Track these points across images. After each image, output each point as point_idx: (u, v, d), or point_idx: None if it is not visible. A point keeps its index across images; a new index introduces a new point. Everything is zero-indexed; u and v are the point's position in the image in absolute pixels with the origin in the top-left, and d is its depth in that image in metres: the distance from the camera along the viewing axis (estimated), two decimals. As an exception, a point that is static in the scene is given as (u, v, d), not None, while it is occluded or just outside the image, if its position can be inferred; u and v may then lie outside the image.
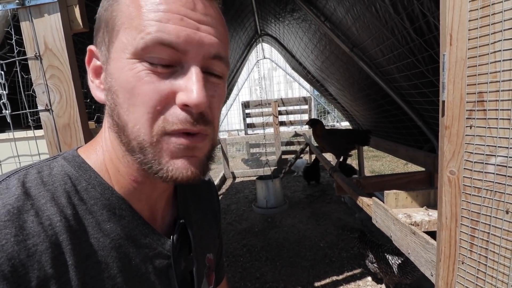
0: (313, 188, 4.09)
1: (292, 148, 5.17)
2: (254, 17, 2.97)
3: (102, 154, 0.37)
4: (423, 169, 2.02)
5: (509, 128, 0.55)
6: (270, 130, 4.96)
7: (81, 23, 0.77)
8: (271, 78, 9.11)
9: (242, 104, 5.23)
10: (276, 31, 3.26)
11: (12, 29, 0.78)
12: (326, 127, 2.43)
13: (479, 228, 0.61)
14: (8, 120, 0.81)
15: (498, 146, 0.56)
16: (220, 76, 0.35)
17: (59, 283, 0.29)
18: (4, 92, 0.80)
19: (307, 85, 5.71)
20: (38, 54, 0.75)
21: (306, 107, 5.12)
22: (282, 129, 5.42)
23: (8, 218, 0.28)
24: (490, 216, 0.59)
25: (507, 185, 0.56)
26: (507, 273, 0.58)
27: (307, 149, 4.16)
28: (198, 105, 0.30)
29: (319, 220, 3.03)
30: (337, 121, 7.59)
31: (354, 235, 2.64)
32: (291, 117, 5.28)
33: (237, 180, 4.98)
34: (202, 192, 0.56)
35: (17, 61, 0.78)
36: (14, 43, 0.77)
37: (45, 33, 0.74)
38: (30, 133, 0.86)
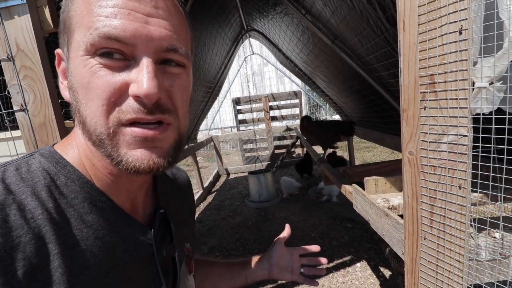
0: (306, 180, 4.14)
1: (284, 142, 5.20)
2: (239, 12, 2.97)
3: (77, 149, 0.39)
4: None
5: (457, 107, 0.58)
6: (262, 126, 4.98)
7: (51, 24, 0.78)
8: (262, 74, 9.11)
9: (233, 101, 5.24)
10: (262, 26, 3.27)
11: (-17, 32, 0.79)
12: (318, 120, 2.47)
13: (436, 204, 0.64)
14: (-15, 122, 0.82)
15: (449, 125, 0.59)
16: (180, 65, 0.36)
17: (46, 271, 0.31)
18: (-21, 94, 0.81)
19: (298, 80, 5.73)
20: (10, 56, 0.76)
21: (297, 101, 5.15)
22: (274, 124, 5.45)
23: None
24: (446, 192, 0.62)
25: (459, 161, 0.59)
26: (463, 246, 0.62)
27: (298, 142, 4.19)
28: (148, 95, 0.31)
29: (311, 211, 3.08)
30: (329, 115, 7.64)
31: (345, 224, 2.69)
32: (283, 112, 5.31)
33: (231, 176, 5.01)
34: (180, 185, 0.59)
35: (-10, 63, 0.80)
36: (-15, 46, 0.78)
37: (16, 35, 0.76)
38: (7, 134, 0.87)
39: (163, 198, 0.49)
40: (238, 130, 5.49)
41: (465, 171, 0.59)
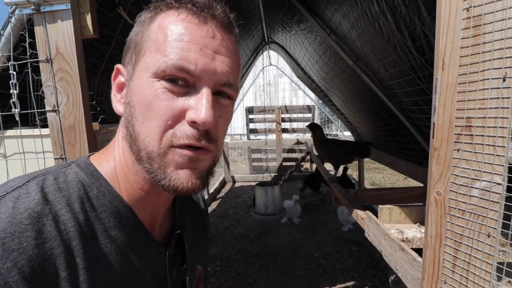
0: (312, 197, 4.09)
1: (293, 155, 5.18)
2: (262, 25, 3.01)
3: (113, 162, 0.40)
4: (421, 184, 2.03)
5: (493, 154, 0.56)
6: (272, 137, 4.97)
7: (91, 30, 0.80)
8: (277, 85, 9.16)
9: (246, 109, 5.26)
10: (283, 39, 3.30)
11: (27, 32, 0.82)
12: (329, 136, 2.45)
13: (461, 249, 0.62)
14: (17, 118, 0.85)
15: (483, 171, 0.58)
16: (229, 98, 0.39)
17: (72, 285, 0.31)
18: (15, 91, 0.84)
19: (312, 94, 5.74)
20: (49, 58, 0.79)
21: (309, 115, 5.14)
22: (285, 136, 5.44)
23: (29, 222, 0.30)
24: (473, 238, 0.60)
25: (490, 209, 0.58)
26: (487, 295, 0.59)
27: (308, 157, 4.17)
28: (205, 123, 0.33)
29: (316, 229, 3.03)
30: (340, 131, 7.60)
31: (350, 247, 2.64)
32: (294, 125, 5.31)
33: (237, 184, 4.99)
34: (196, 205, 0.59)
35: (29, 63, 0.82)
36: (27, 46, 0.81)
37: (57, 38, 0.78)
38: (36, 131, 0.89)
39: (179, 218, 0.49)
40: (248, 138, 5.49)
41: (496, 220, 0.57)
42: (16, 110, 0.85)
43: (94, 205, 0.36)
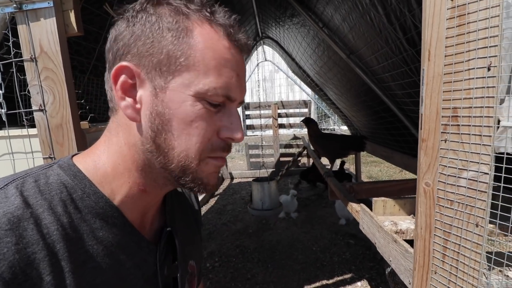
0: (309, 191, 4.11)
1: (290, 151, 5.19)
2: (255, 20, 2.99)
3: (102, 163, 0.39)
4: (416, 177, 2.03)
5: (480, 144, 0.56)
6: (269, 132, 4.97)
7: (75, 27, 0.79)
8: (273, 80, 9.13)
9: (242, 106, 5.26)
10: (276, 34, 3.28)
11: (10, 32, 0.81)
12: (326, 131, 2.46)
13: (451, 239, 0.63)
14: (4, 118, 0.84)
15: (470, 161, 0.58)
16: None
17: None
18: (1, 91, 0.83)
19: (308, 89, 5.73)
20: (33, 57, 0.78)
21: (306, 110, 5.14)
22: (282, 131, 5.44)
23: (9, 227, 0.30)
24: (461, 228, 0.61)
25: (477, 199, 0.58)
26: (475, 285, 0.60)
27: (305, 152, 4.17)
28: (240, 140, 0.39)
29: (313, 224, 3.04)
30: (337, 126, 7.61)
31: (347, 240, 2.65)
32: (291, 120, 5.30)
33: (235, 180, 5.00)
34: (186, 200, 0.59)
35: (13, 63, 0.81)
36: (11, 45, 0.80)
37: (41, 37, 0.77)
38: (24, 131, 0.88)
39: (170, 215, 0.49)
40: (245, 135, 5.49)
41: (484, 210, 0.57)
42: (3, 110, 0.84)
43: (78, 207, 0.35)
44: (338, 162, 4.15)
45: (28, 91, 0.81)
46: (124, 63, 0.36)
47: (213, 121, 0.37)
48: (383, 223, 1.13)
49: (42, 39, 0.77)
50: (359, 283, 2.04)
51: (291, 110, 5.23)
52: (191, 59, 0.35)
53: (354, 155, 3.86)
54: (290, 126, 5.38)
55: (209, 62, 0.36)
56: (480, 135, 0.56)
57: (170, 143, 0.36)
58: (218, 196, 4.17)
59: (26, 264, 0.29)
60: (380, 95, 1.94)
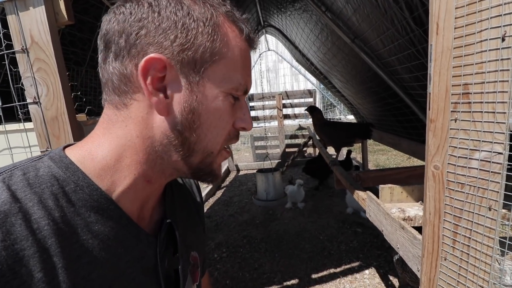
0: (316, 181, 4.08)
1: (296, 141, 5.14)
2: (256, 7, 2.92)
3: (99, 155, 0.36)
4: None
5: (493, 122, 0.53)
6: (274, 123, 4.92)
7: (66, 16, 0.77)
8: (277, 71, 9.01)
9: (246, 97, 5.20)
10: (279, 22, 3.20)
11: (0, 23, 0.79)
12: (332, 120, 2.41)
13: (461, 224, 0.60)
14: (-1, 113, 0.83)
15: (482, 141, 0.54)
16: None
17: (50, 286, 0.29)
18: (-5, 85, 0.81)
19: (313, 78, 5.62)
20: (24, 47, 0.76)
21: (311, 100, 5.06)
22: (287, 122, 5.39)
23: None
24: (473, 212, 0.57)
25: (491, 181, 0.54)
26: (488, 271, 0.57)
27: (310, 142, 4.13)
28: (251, 129, 0.43)
29: (320, 213, 3.03)
30: (343, 115, 7.50)
31: (355, 228, 2.63)
32: (296, 110, 5.23)
33: (241, 172, 5.00)
34: (187, 190, 0.57)
35: (5, 55, 0.79)
36: (1, 37, 0.78)
37: (31, 26, 0.75)
38: (22, 125, 0.87)
39: (170, 207, 0.47)
40: (250, 126, 5.45)
41: (497, 192, 0.54)
42: (-2, 104, 0.83)
43: (71, 200, 0.33)
44: (344, 151, 4.10)
45: (22, 84, 0.79)
46: (155, 55, 0.34)
47: (233, 113, 0.40)
48: (390, 210, 1.10)
49: (32, 29, 0.75)
50: (367, 271, 2.03)
51: (295, 100, 5.16)
52: (224, 56, 0.37)
53: (360, 144, 3.80)
54: (295, 116, 5.32)
55: (238, 59, 0.38)
56: (494, 112, 0.52)
57: (200, 137, 0.38)
58: (225, 188, 4.18)
59: (14, 262, 0.28)
60: (386, 80, 1.88)
